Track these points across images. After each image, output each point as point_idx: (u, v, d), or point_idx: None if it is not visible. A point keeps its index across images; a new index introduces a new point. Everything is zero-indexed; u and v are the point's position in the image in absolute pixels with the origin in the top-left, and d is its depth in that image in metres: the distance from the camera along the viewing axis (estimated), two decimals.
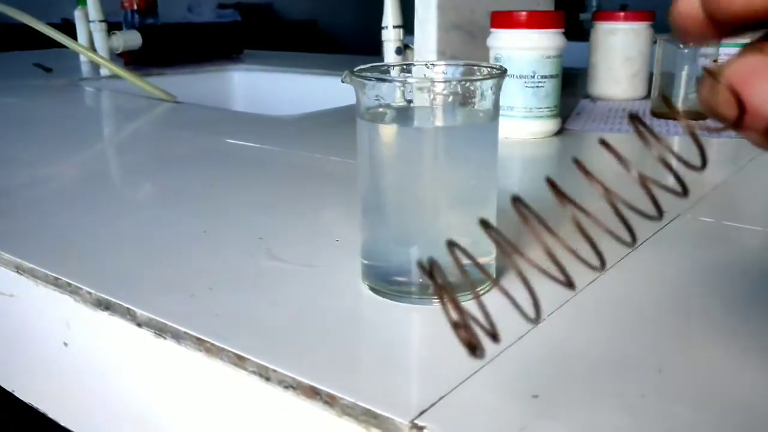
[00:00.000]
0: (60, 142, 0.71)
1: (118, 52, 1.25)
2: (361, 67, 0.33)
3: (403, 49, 0.93)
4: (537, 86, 0.67)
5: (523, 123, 0.68)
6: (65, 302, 0.35)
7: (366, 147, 0.33)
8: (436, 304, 0.33)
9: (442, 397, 0.25)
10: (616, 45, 0.92)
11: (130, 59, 1.33)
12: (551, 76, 0.67)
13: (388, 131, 0.32)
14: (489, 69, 0.33)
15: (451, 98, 0.31)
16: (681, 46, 0.80)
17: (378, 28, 0.93)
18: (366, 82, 0.31)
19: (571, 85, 0.96)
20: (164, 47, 1.38)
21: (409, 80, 0.31)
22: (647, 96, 0.93)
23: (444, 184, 0.32)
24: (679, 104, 0.80)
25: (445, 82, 0.31)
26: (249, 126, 0.80)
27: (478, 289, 0.33)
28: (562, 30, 0.67)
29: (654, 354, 0.29)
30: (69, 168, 0.61)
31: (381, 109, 0.33)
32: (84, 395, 0.36)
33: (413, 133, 0.32)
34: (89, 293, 0.34)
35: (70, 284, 0.35)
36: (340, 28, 3.64)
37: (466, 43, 0.78)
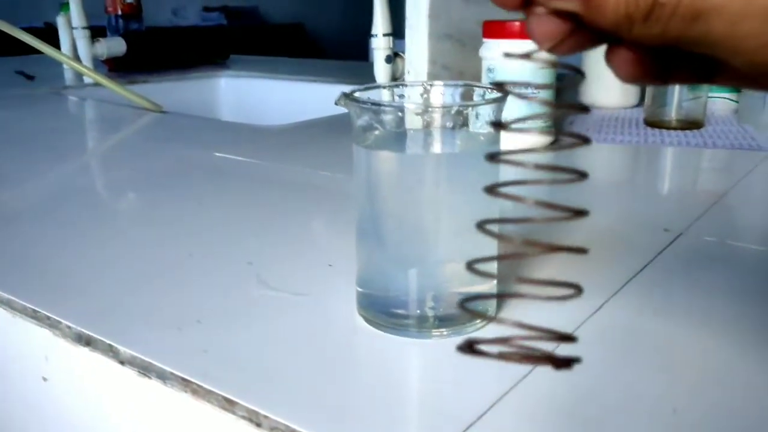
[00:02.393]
0: (40, 156, 0.69)
1: (103, 59, 1.23)
2: (356, 89, 0.32)
3: (393, 57, 0.91)
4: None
5: (516, 135, 0.66)
6: (44, 336, 0.33)
7: (362, 173, 0.31)
8: (435, 338, 0.31)
9: None
10: None
11: (115, 66, 1.30)
12: (545, 86, 0.66)
13: (385, 158, 0.31)
14: (489, 91, 0.32)
15: (450, 122, 0.30)
16: None
17: (364, 31, 0.91)
18: (362, 107, 0.29)
19: (563, 93, 0.95)
20: (149, 53, 1.36)
21: (407, 106, 0.29)
22: (639, 104, 0.92)
23: (444, 212, 0.31)
24: (673, 113, 0.79)
25: (444, 108, 0.30)
26: (237, 137, 0.78)
27: (482, 319, 0.32)
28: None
29: (668, 393, 0.27)
30: (49, 184, 0.59)
31: (377, 133, 0.31)
32: None
33: (412, 160, 0.31)
34: (69, 327, 0.32)
35: (49, 317, 0.33)
36: (325, 32, 3.63)
37: (457, 52, 0.77)
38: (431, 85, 0.33)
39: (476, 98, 0.33)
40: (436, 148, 0.30)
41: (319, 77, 1.26)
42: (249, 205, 0.52)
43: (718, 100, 0.88)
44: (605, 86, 0.91)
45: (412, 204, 0.31)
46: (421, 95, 0.33)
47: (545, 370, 0.28)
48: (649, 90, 0.82)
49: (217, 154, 0.68)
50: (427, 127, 0.30)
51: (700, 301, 0.35)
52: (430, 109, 0.30)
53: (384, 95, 0.33)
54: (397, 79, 0.93)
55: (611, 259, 0.40)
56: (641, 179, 0.62)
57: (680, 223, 0.45)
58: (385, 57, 0.90)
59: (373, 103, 0.29)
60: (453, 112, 0.30)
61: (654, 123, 0.80)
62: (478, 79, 0.70)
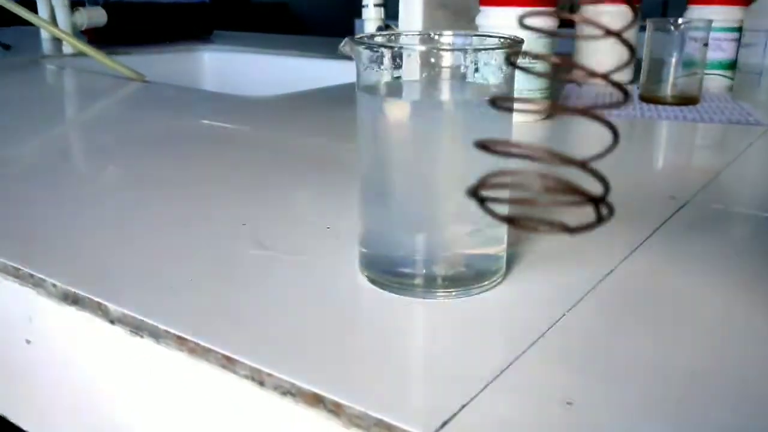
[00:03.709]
0: (21, 124, 0.66)
1: (82, 29, 1.19)
2: (363, 35, 0.30)
3: (384, 28, 0.89)
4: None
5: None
6: (27, 295, 0.31)
7: (368, 124, 0.29)
8: (441, 297, 0.30)
9: (464, 406, 0.22)
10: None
11: (94, 37, 1.27)
12: (542, 57, 0.64)
13: (394, 106, 0.29)
14: (502, 41, 0.30)
15: (463, 71, 0.28)
16: (672, 26, 0.78)
17: (349, 11, 0.89)
18: (370, 50, 0.27)
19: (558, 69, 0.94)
20: (130, 25, 1.32)
21: (418, 48, 0.27)
22: (634, 80, 0.91)
23: (454, 166, 0.29)
24: (669, 89, 0.79)
25: (460, 50, 0.28)
26: (224, 107, 0.76)
27: (490, 280, 0.31)
28: (554, 9, 0.65)
29: (684, 355, 0.26)
30: (32, 149, 0.57)
31: (384, 82, 0.29)
32: (49, 399, 0.32)
33: (421, 109, 0.29)
34: (54, 285, 0.30)
35: (32, 276, 0.31)
36: (310, 11, 3.58)
37: (451, 22, 0.75)
38: (440, 35, 0.32)
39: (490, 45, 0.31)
40: (446, 96, 0.28)
41: (304, 52, 1.24)
42: (241, 171, 0.50)
43: (713, 77, 0.87)
44: (599, 62, 0.90)
45: (420, 156, 0.29)
46: (431, 43, 0.31)
47: (557, 334, 0.27)
48: (645, 66, 0.81)
49: (205, 121, 0.66)
50: (437, 75, 0.29)
51: (712, 262, 0.34)
52: (441, 53, 0.28)
53: (387, 40, 0.31)
54: None
55: (620, 225, 0.39)
56: (641, 151, 0.60)
57: (685, 192, 0.44)
58: (375, 27, 0.88)
59: (384, 45, 0.27)
60: (465, 59, 0.28)
61: (650, 98, 0.79)
62: None
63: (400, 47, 0.28)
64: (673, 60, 0.79)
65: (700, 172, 0.51)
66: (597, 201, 0.22)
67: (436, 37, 0.32)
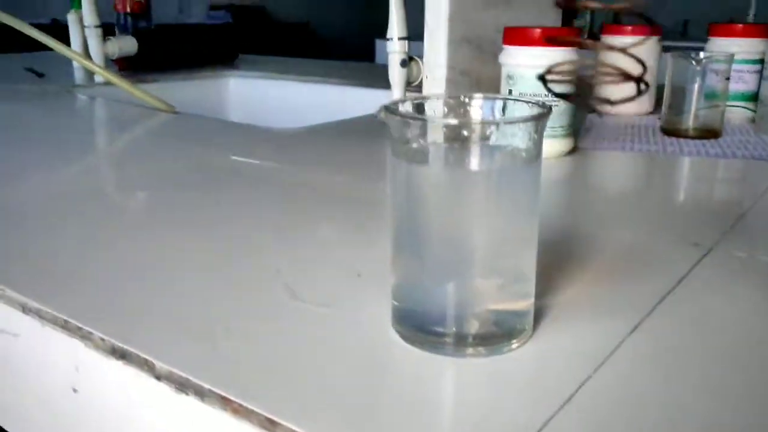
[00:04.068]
0: (53, 155, 0.68)
1: (114, 58, 1.22)
2: (395, 101, 0.31)
3: (408, 61, 0.91)
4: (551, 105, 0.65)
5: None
6: (75, 346, 0.33)
7: (400, 186, 0.31)
8: (470, 356, 0.31)
9: None
10: (624, 59, 0.90)
11: (125, 65, 1.30)
12: (564, 97, 0.66)
13: (424, 173, 0.30)
14: (531, 106, 0.32)
15: (491, 138, 0.29)
16: (693, 61, 0.79)
17: (370, 31, 0.91)
18: (405, 121, 0.29)
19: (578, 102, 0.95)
20: (159, 52, 1.35)
21: (450, 122, 0.29)
22: (655, 111, 0.92)
23: (484, 228, 0.30)
24: (690, 121, 0.79)
25: (490, 123, 0.29)
26: (253, 140, 0.78)
27: (519, 338, 0.32)
28: (577, 47, 0.66)
29: (717, 415, 0.27)
30: (65, 185, 0.59)
31: (415, 146, 0.31)
32: None
33: (451, 176, 0.30)
34: (102, 339, 0.32)
35: (80, 328, 0.33)
36: (332, 30, 3.62)
37: (475, 57, 0.77)
38: (469, 98, 0.33)
39: (516, 112, 0.33)
40: (476, 164, 0.30)
41: (328, 78, 1.26)
42: (272, 210, 0.51)
43: (735, 109, 0.88)
44: (621, 92, 0.91)
45: (451, 220, 0.30)
46: (460, 109, 0.33)
47: (585, 396, 0.28)
48: (666, 97, 0.81)
49: (233, 157, 0.68)
50: (467, 141, 0.30)
51: (737, 317, 0.35)
52: (472, 125, 0.29)
53: (420, 108, 0.33)
54: (411, 83, 0.93)
55: (643, 274, 0.40)
56: (663, 190, 0.61)
57: (708, 238, 0.45)
58: (400, 60, 0.90)
59: (416, 118, 0.29)
60: (494, 128, 0.29)
61: (671, 131, 0.80)
62: (497, 85, 0.69)
63: (431, 120, 0.29)
64: (695, 92, 0.79)
65: (723, 215, 0.51)
66: (636, 79, 0.24)
67: (466, 100, 0.33)
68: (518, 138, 0.30)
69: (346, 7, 3.57)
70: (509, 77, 0.67)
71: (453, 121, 0.29)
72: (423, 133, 0.30)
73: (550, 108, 0.30)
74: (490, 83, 0.76)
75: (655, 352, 0.32)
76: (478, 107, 0.33)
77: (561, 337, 0.33)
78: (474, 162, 0.30)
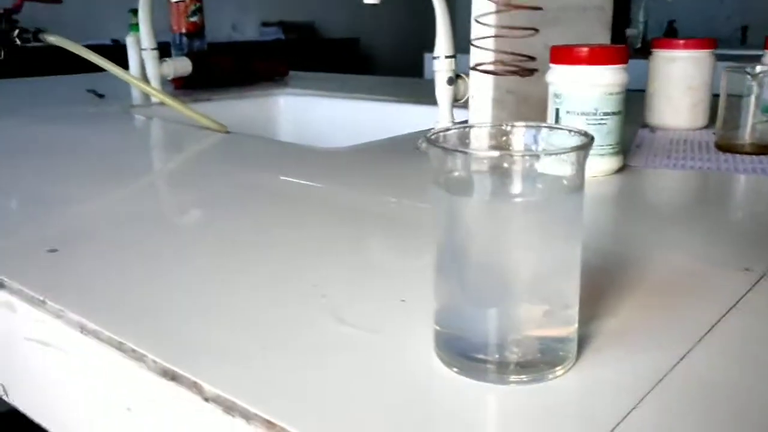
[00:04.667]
0: (107, 177, 0.71)
1: (169, 78, 1.27)
2: (436, 131, 0.32)
3: (455, 78, 0.91)
4: (599, 123, 0.65)
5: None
6: (129, 367, 0.34)
7: (442, 215, 0.31)
8: (513, 384, 0.31)
9: None
10: (676, 74, 0.89)
11: (181, 85, 1.34)
12: (614, 113, 0.65)
13: (466, 203, 0.31)
14: (573, 134, 0.32)
15: (534, 168, 0.29)
16: (749, 75, 0.77)
17: (418, 47, 0.92)
18: (446, 152, 0.29)
19: (627, 111, 0.93)
20: (212, 71, 1.39)
21: (492, 155, 0.29)
22: (708, 125, 0.90)
23: (526, 257, 0.30)
24: (747, 136, 0.77)
25: (531, 155, 0.29)
26: (301, 160, 0.80)
27: (562, 366, 0.32)
28: (625, 65, 0.65)
29: None
30: (116, 208, 0.61)
31: (456, 175, 0.31)
32: None
33: (493, 207, 0.31)
34: (154, 362, 0.33)
35: (134, 350, 0.34)
36: (380, 47, 3.65)
37: (521, 77, 0.77)
38: (511, 126, 0.33)
39: (558, 140, 0.33)
40: (518, 194, 0.30)
41: (377, 95, 1.27)
42: (316, 233, 0.52)
43: None
44: (674, 108, 0.89)
45: (494, 249, 0.31)
46: (502, 137, 0.33)
47: (629, 430, 0.28)
48: (721, 111, 0.79)
49: (282, 177, 0.69)
50: (509, 171, 0.30)
51: None
52: (513, 157, 0.30)
53: (465, 135, 0.33)
54: (458, 100, 0.93)
55: (692, 301, 0.39)
56: (715, 210, 0.60)
57: (761, 262, 0.44)
58: (447, 79, 0.90)
59: (457, 150, 0.29)
60: (537, 158, 0.29)
61: (726, 147, 0.78)
62: (545, 104, 0.69)
63: (472, 153, 0.29)
64: (752, 105, 0.77)
65: None
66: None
67: (509, 128, 0.33)
68: (560, 167, 0.30)
69: (395, 22, 3.60)
70: (556, 96, 0.67)
71: (494, 154, 0.29)
72: (464, 163, 0.30)
73: (592, 138, 0.30)
74: (536, 102, 0.76)
75: (701, 386, 0.31)
76: (521, 135, 0.33)
77: (605, 367, 0.32)
78: (515, 192, 0.30)
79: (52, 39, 0.93)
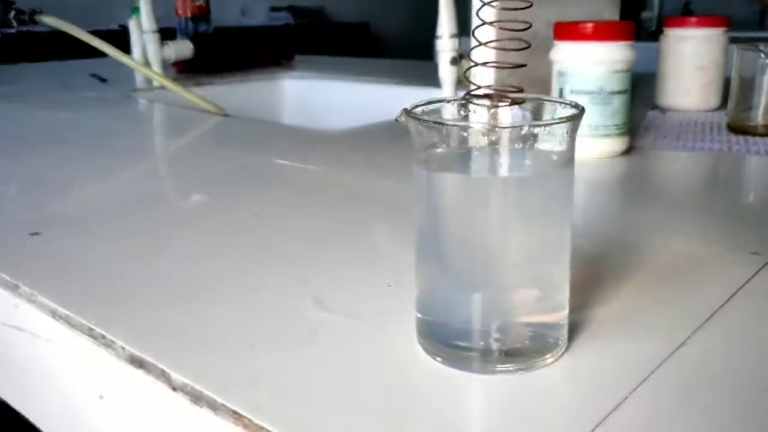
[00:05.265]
0: (104, 161, 0.70)
1: (171, 61, 1.25)
2: (417, 104, 0.30)
3: (459, 59, 0.89)
4: (604, 103, 0.62)
5: (589, 142, 0.63)
6: (100, 354, 0.33)
7: (423, 194, 0.29)
8: (500, 374, 0.29)
9: None
10: (688, 53, 0.86)
11: (183, 68, 1.33)
12: (620, 92, 0.63)
13: (448, 180, 0.29)
14: (564, 106, 0.29)
15: (520, 142, 0.27)
16: (762, 53, 0.74)
17: (430, 30, 0.89)
18: (423, 125, 0.27)
19: (637, 93, 0.90)
20: (216, 55, 1.38)
21: (473, 125, 0.27)
22: (721, 107, 0.87)
23: (511, 237, 0.29)
24: (760, 117, 0.74)
25: (513, 127, 0.27)
26: (298, 142, 0.78)
27: (551, 353, 0.30)
28: (632, 42, 0.63)
29: None
30: (109, 191, 0.60)
31: (439, 151, 0.29)
32: None
33: (477, 183, 0.29)
34: (123, 348, 0.32)
35: (104, 336, 0.33)
36: (391, 31, 3.62)
37: (526, 54, 0.74)
38: (500, 99, 0.31)
39: (548, 113, 0.31)
40: (504, 169, 0.28)
41: (383, 78, 1.25)
42: (307, 217, 0.51)
43: None
44: (685, 88, 0.86)
45: (477, 229, 0.29)
46: (489, 110, 0.31)
47: (617, 420, 0.26)
48: (733, 92, 0.77)
49: (278, 160, 0.67)
50: (495, 145, 0.28)
51: None
52: (498, 129, 0.27)
53: (447, 110, 0.31)
54: (462, 81, 0.91)
55: (695, 286, 0.37)
56: (725, 193, 0.57)
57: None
58: (450, 59, 0.88)
59: (436, 122, 0.27)
60: (523, 132, 0.27)
61: (738, 128, 0.75)
62: (548, 83, 0.67)
63: (450, 124, 0.27)
64: (765, 85, 0.74)
65: None
66: None
67: (497, 98, 0.31)
68: (549, 141, 0.28)
69: (405, 6, 3.56)
70: (560, 74, 0.64)
71: (476, 126, 0.27)
72: (445, 137, 0.28)
73: (582, 109, 0.28)
74: (542, 81, 0.73)
75: (699, 374, 0.29)
76: (508, 108, 0.31)
77: (598, 355, 0.30)
78: (500, 167, 0.28)
79: (49, 20, 0.91)
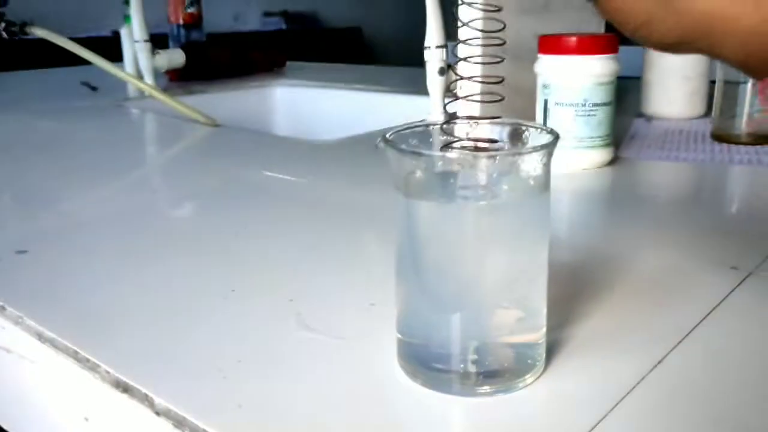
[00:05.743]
0: (90, 174, 0.70)
1: (163, 71, 1.25)
2: (397, 129, 0.30)
3: (446, 69, 0.89)
4: (589, 115, 0.63)
5: (574, 154, 0.64)
6: (85, 377, 0.33)
7: (401, 220, 0.30)
8: (480, 396, 0.29)
9: None
10: (673, 61, 0.87)
11: (176, 76, 1.33)
12: (604, 104, 0.63)
13: (425, 207, 0.29)
14: (540, 131, 0.30)
15: (497, 170, 0.28)
16: None
17: (422, 36, 0.90)
18: (403, 154, 0.28)
19: (624, 100, 0.91)
20: (208, 63, 1.38)
21: (449, 155, 0.27)
22: (706, 114, 0.87)
23: (489, 262, 0.29)
24: (743, 126, 0.75)
25: (489, 158, 0.28)
26: (288, 153, 0.78)
27: (529, 374, 0.30)
28: (616, 54, 0.63)
29: None
30: (95, 207, 0.60)
31: (418, 176, 0.30)
32: None
33: (454, 211, 0.29)
34: (107, 372, 0.32)
35: (89, 360, 0.33)
36: (384, 36, 3.62)
37: (512, 66, 0.75)
38: (476, 124, 0.32)
39: (526, 138, 0.31)
40: (481, 196, 0.28)
41: (374, 86, 1.26)
42: (294, 232, 0.51)
43: None
44: (670, 97, 0.87)
45: (455, 255, 0.29)
46: (466, 136, 0.31)
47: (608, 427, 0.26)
48: (717, 100, 0.77)
49: (266, 173, 0.68)
50: (471, 173, 0.29)
51: None
52: (475, 158, 0.28)
53: (427, 135, 0.32)
54: (450, 90, 0.91)
55: (673, 303, 0.38)
56: (706, 204, 0.58)
57: (749, 259, 0.42)
58: (438, 69, 0.88)
59: (414, 151, 0.28)
60: (500, 159, 0.28)
61: (722, 137, 0.76)
62: (534, 94, 0.67)
63: (430, 154, 0.28)
64: (748, 91, 0.75)
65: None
66: None
67: (473, 126, 0.32)
68: (526, 167, 0.29)
69: (398, 12, 3.57)
70: (545, 86, 0.65)
71: (450, 155, 0.27)
72: (422, 165, 0.29)
73: (557, 136, 0.29)
74: (528, 92, 0.74)
75: (677, 392, 0.30)
76: (486, 133, 0.31)
77: (576, 374, 0.31)
78: (476, 194, 0.28)
79: (40, 32, 0.92)
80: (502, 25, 0.30)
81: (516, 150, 0.29)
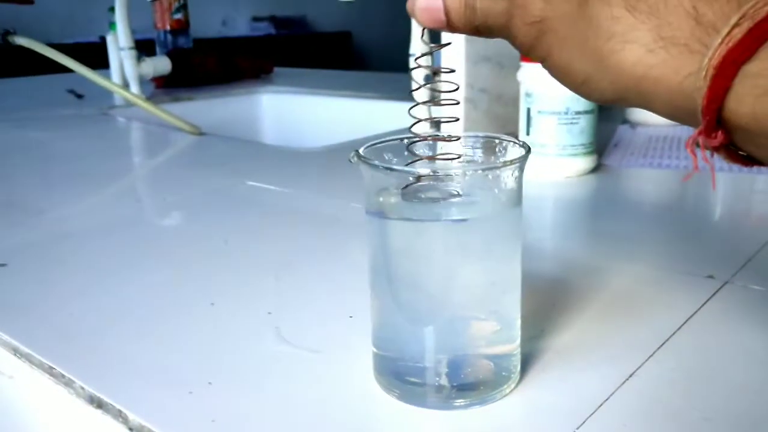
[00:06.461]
0: (73, 183, 0.70)
1: (149, 78, 1.25)
2: (371, 144, 0.30)
3: (432, 76, 0.90)
4: (571, 122, 0.63)
5: (557, 162, 0.64)
6: (60, 392, 0.33)
7: (374, 235, 0.30)
8: (456, 409, 0.29)
9: None
10: None
11: (163, 84, 1.33)
12: (586, 112, 0.63)
13: (397, 223, 0.29)
14: (512, 144, 0.30)
15: (469, 185, 0.28)
16: None
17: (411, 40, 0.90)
18: (373, 169, 0.28)
19: (608, 107, 0.91)
20: (195, 70, 1.38)
21: (420, 172, 0.28)
22: None
23: (461, 278, 0.29)
24: None
25: (460, 175, 0.28)
26: (272, 162, 0.78)
27: (502, 387, 0.30)
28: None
29: None
30: (77, 218, 0.59)
31: (391, 190, 0.30)
32: None
33: (427, 227, 0.29)
34: (82, 388, 0.32)
35: (64, 375, 0.33)
36: (373, 40, 3.63)
37: (495, 74, 0.75)
38: (451, 138, 0.32)
39: (499, 151, 0.31)
40: (453, 212, 0.28)
41: (361, 93, 1.26)
42: (275, 243, 0.51)
43: None
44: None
45: (428, 270, 0.29)
46: (439, 150, 0.32)
47: None
48: None
49: (250, 182, 0.68)
50: (444, 187, 0.29)
51: (746, 363, 0.33)
52: (447, 173, 0.28)
53: (401, 149, 0.32)
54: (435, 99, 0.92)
55: (648, 313, 0.38)
56: (686, 213, 0.58)
57: (726, 268, 0.42)
58: (424, 77, 0.88)
59: (386, 167, 0.28)
60: (472, 174, 0.28)
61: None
62: (518, 102, 0.68)
63: (399, 170, 0.28)
64: None
65: (747, 241, 0.48)
66: None
67: (447, 140, 0.32)
68: (497, 181, 0.29)
69: (388, 16, 3.57)
70: (527, 94, 0.65)
71: (423, 171, 0.28)
72: (394, 180, 0.29)
73: (529, 149, 0.29)
74: (512, 100, 0.74)
75: (652, 402, 0.30)
76: (459, 148, 0.32)
77: (550, 387, 0.31)
78: (448, 210, 0.28)
79: (22, 41, 0.91)
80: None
81: (488, 164, 0.29)
